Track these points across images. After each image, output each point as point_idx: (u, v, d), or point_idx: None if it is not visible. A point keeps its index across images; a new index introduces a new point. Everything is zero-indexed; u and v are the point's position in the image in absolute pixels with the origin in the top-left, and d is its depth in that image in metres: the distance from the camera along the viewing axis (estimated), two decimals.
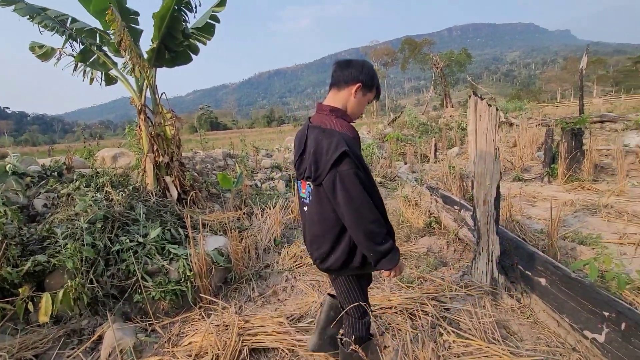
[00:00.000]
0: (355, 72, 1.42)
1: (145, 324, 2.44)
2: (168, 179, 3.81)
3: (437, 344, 2.04)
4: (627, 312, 1.71)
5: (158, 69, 4.03)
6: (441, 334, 2.13)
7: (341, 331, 1.77)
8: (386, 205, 5.04)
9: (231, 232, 3.06)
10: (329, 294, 1.90)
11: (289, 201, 4.65)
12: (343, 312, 1.65)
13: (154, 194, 3.53)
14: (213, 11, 3.98)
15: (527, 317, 2.27)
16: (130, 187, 3.48)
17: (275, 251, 3.58)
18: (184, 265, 2.64)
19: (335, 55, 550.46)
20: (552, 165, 5.77)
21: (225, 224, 3.46)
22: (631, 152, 6.78)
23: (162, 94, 3.95)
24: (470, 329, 2.13)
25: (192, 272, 2.60)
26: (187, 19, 3.67)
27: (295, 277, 3.05)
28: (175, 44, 3.69)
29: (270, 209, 4.00)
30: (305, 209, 1.52)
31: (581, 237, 3.33)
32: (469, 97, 2.48)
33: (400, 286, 2.72)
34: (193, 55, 4.15)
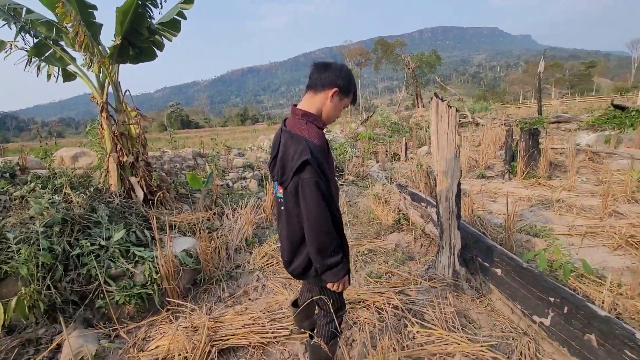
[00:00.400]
0: (333, 76, 1.40)
1: (109, 330, 2.35)
2: (133, 179, 3.68)
3: (402, 335, 2.13)
4: (569, 297, 1.88)
5: (123, 65, 3.87)
6: (406, 326, 2.23)
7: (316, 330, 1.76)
8: (358, 203, 5.15)
9: (200, 233, 3.01)
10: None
11: (261, 200, 4.63)
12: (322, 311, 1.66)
13: (118, 195, 3.39)
14: (180, 8, 3.88)
15: (485, 306, 2.42)
16: (92, 189, 3.32)
17: (247, 251, 3.56)
18: (150, 268, 2.57)
19: (310, 54, 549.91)
20: (512, 163, 6.12)
21: (195, 224, 3.39)
22: (582, 150, 7.35)
23: (126, 91, 3.80)
24: (433, 319, 2.24)
25: (158, 275, 2.54)
26: (152, 14, 3.56)
27: (266, 277, 3.05)
28: (140, 40, 3.56)
29: (241, 208, 3.97)
30: (282, 208, 1.49)
31: (535, 230, 3.57)
32: (431, 99, 2.60)
33: (369, 281, 2.81)
34: (158, 52, 4.02)
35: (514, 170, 6.02)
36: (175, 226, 3.42)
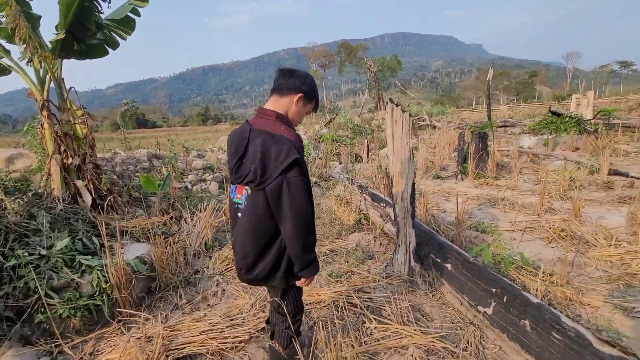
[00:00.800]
0: (298, 82, 1.46)
1: (51, 346, 2.18)
2: (80, 183, 3.42)
3: (360, 332, 2.21)
4: (508, 287, 2.06)
5: (68, 61, 3.59)
6: (364, 322, 2.31)
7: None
8: (320, 204, 5.21)
9: (155, 238, 2.88)
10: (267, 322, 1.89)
11: (222, 203, 4.52)
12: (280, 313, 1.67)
13: (61, 200, 3.14)
14: (134, 4, 3.69)
15: (437, 299, 2.57)
16: (30, 194, 3.05)
17: (207, 256, 3.46)
18: (98, 277, 2.41)
19: (274, 54, 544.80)
20: (464, 165, 6.55)
21: (150, 230, 3.24)
22: (524, 152, 8.03)
23: (70, 88, 3.53)
24: (389, 315, 2.34)
25: (108, 284, 2.40)
26: (100, 8, 3.33)
27: (226, 281, 2.99)
28: (87, 35, 3.32)
29: (200, 212, 3.85)
30: (240, 214, 1.48)
31: (483, 227, 3.86)
32: (386, 104, 2.71)
33: (329, 281, 2.86)
34: (110, 49, 3.78)
35: (466, 171, 6.43)
36: (127, 232, 3.23)
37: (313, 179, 6.81)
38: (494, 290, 2.10)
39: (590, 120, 9.27)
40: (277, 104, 1.47)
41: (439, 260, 2.69)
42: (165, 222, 3.65)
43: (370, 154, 9.56)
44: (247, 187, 1.42)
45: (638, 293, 2.43)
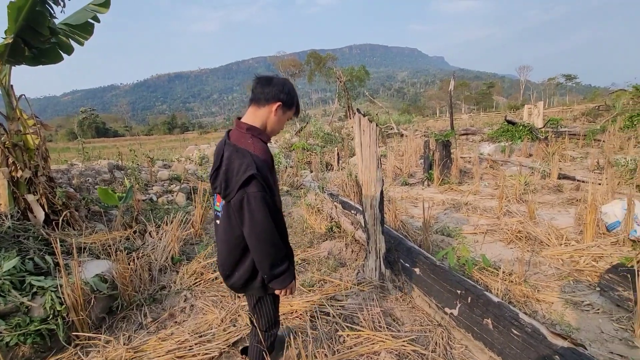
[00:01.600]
0: (276, 90, 1.44)
1: None
2: (31, 197, 3.18)
3: (333, 341, 2.21)
4: (471, 288, 2.16)
5: (18, 66, 3.36)
6: (337, 330, 2.32)
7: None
8: (292, 213, 5.19)
9: (117, 254, 2.73)
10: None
11: (189, 215, 4.38)
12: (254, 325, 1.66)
13: (9, 216, 2.90)
14: (94, 10, 3.55)
15: (407, 303, 2.64)
16: None
17: (174, 270, 3.33)
18: (52, 299, 2.24)
19: (243, 62, 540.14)
20: (430, 171, 6.82)
21: (111, 245, 3.06)
22: (484, 159, 8.53)
23: (20, 96, 3.29)
24: (361, 322, 2.37)
25: (64, 306, 2.23)
26: (53, 13, 3.17)
27: (195, 296, 2.89)
28: (40, 41, 3.13)
29: (166, 224, 3.70)
30: (218, 222, 1.51)
31: (448, 231, 4.03)
32: (353, 114, 2.79)
33: (302, 290, 2.85)
34: (65, 55, 3.59)
35: (432, 178, 6.70)
36: (85, 249, 3.03)
37: (285, 188, 6.79)
38: (459, 291, 2.20)
39: (541, 128, 10.04)
40: (254, 115, 1.47)
41: (408, 265, 2.78)
42: (128, 237, 3.47)
43: (340, 162, 9.70)
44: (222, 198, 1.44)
45: (585, 288, 2.65)
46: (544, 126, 10.39)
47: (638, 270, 2.06)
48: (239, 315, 2.53)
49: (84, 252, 2.98)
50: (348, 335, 2.24)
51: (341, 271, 3.24)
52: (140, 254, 3.26)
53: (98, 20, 3.66)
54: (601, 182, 4.21)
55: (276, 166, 7.66)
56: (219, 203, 1.49)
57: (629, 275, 2.26)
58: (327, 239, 3.98)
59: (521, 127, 9.84)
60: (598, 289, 2.52)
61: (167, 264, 3.33)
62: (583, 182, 5.70)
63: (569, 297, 2.51)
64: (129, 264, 2.89)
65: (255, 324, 1.63)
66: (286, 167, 7.73)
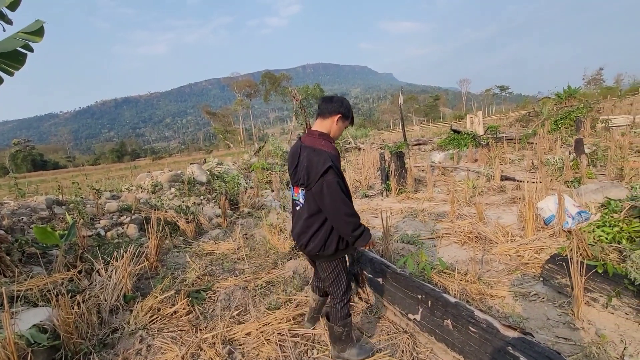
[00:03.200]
0: (337, 106, 1.93)
1: None
2: None
3: None
4: (430, 292, 2.25)
5: None
6: (307, 351, 2.28)
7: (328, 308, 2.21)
8: (254, 235, 5.07)
9: (57, 299, 2.46)
10: (311, 289, 2.47)
11: (143, 247, 4.10)
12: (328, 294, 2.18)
13: None
14: (25, 39, 3.31)
15: (374, 314, 2.68)
16: None
17: (127, 309, 3.06)
18: None
19: (196, 84, 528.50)
20: (387, 182, 7.09)
21: (50, 290, 2.76)
22: (435, 166, 9.06)
23: None
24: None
25: None
26: None
27: (152, 335, 2.68)
28: None
29: (116, 260, 3.43)
30: (298, 208, 2.00)
31: (408, 238, 4.18)
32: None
33: (268, 314, 2.76)
34: None
35: (389, 188, 6.96)
36: (19, 297, 2.70)
37: (245, 210, 6.64)
38: (419, 296, 2.28)
39: (482, 135, 10.94)
40: (321, 124, 1.95)
41: (372, 276, 2.82)
42: (72, 278, 3.16)
43: None
44: (301, 188, 1.92)
45: (531, 279, 2.88)
46: (484, 133, 11.32)
47: (570, 258, 2.29)
48: (201, 350, 2.38)
49: (17, 301, 2.65)
50: (318, 353, 2.21)
51: (307, 289, 3.21)
52: (87, 296, 2.98)
53: (31, 49, 3.42)
54: (535, 181, 4.66)
55: (235, 188, 7.50)
56: (296, 193, 2.00)
57: (564, 264, 2.50)
58: (291, 258, 3.94)
59: (465, 135, 10.65)
60: (541, 279, 2.75)
61: (118, 304, 3.06)
62: (521, 181, 6.27)
63: (517, 290, 2.70)
64: (73, 308, 2.63)
65: (333, 293, 2.05)
66: (246, 189, 7.59)
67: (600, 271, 2.30)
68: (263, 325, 2.55)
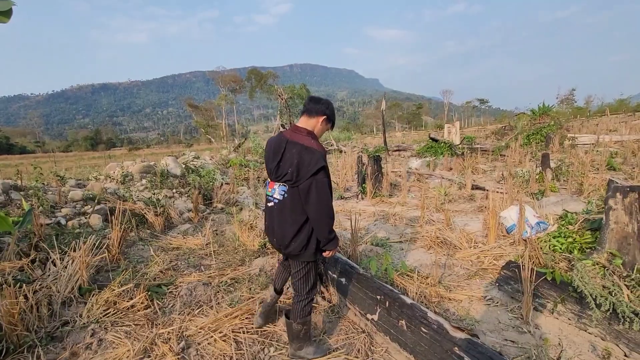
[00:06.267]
0: (323, 107, 1.97)
1: None
2: None
3: (260, 358, 2.15)
4: (389, 293, 2.29)
5: None
6: (263, 349, 2.26)
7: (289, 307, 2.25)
8: (224, 232, 4.98)
9: (2, 290, 2.33)
10: (274, 289, 2.45)
11: (107, 239, 3.95)
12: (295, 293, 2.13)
13: None
14: None
15: (335, 314, 2.70)
16: None
17: (81, 302, 2.94)
18: None
19: (179, 75, 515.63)
20: (363, 185, 7.17)
21: None
22: (412, 172, 9.25)
23: None
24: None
25: None
26: None
27: (105, 328, 2.58)
28: None
29: (74, 250, 3.28)
30: (270, 204, 1.99)
31: (377, 240, 4.24)
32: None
33: (227, 312, 2.73)
34: None
35: (365, 191, 7.04)
36: None
37: (219, 206, 6.53)
38: (378, 297, 2.32)
39: (458, 145, 11.27)
40: (306, 122, 1.96)
41: (335, 276, 2.84)
42: (22, 268, 2.99)
43: None
44: (278, 183, 1.91)
45: (488, 284, 2.99)
46: (460, 143, 11.67)
47: (522, 265, 2.40)
48: (155, 345, 2.32)
49: None
50: (275, 350, 2.20)
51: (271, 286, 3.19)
52: (38, 287, 2.84)
53: None
54: (502, 191, 4.85)
55: (210, 183, 7.37)
56: (270, 189, 1.97)
57: (516, 271, 2.62)
58: (259, 256, 3.91)
59: (442, 143, 10.94)
60: (497, 284, 2.86)
61: (72, 296, 2.94)
62: (489, 191, 6.50)
63: (474, 294, 2.80)
64: (21, 299, 2.49)
65: (299, 290, 2.06)
66: (222, 184, 7.47)
67: (549, 278, 2.42)
68: (221, 322, 2.51)
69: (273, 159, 1.92)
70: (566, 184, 6.32)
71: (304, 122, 1.98)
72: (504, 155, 10.44)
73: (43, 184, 4.99)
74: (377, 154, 7.66)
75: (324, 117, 1.96)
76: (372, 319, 2.29)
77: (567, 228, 3.59)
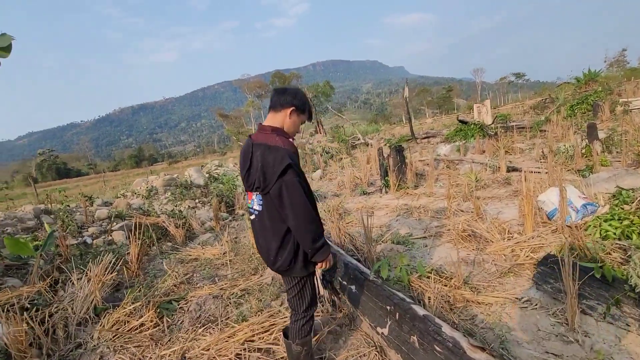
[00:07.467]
0: (289, 97, 1.70)
1: None
2: None
3: None
4: (400, 303, 2.01)
5: None
6: None
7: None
8: (240, 240, 4.90)
9: (8, 315, 2.35)
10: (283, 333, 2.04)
11: (127, 255, 4.01)
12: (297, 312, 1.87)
13: None
14: None
15: (348, 325, 2.46)
16: None
17: (96, 322, 2.96)
18: None
19: (208, 88, 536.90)
20: (386, 178, 6.79)
21: (14, 304, 2.68)
22: (441, 159, 8.67)
23: None
24: None
25: None
26: None
27: (114, 350, 2.55)
28: None
29: (91, 270, 3.34)
30: (252, 217, 1.76)
31: (398, 238, 3.91)
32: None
33: (234, 327, 2.58)
34: None
35: (388, 184, 6.67)
36: None
37: (240, 212, 6.51)
38: (388, 307, 2.04)
39: (490, 125, 10.42)
40: (273, 119, 1.72)
41: (345, 283, 2.59)
42: (39, 291, 3.07)
43: None
44: (255, 193, 1.70)
45: (525, 283, 2.57)
46: (493, 122, 10.80)
47: (562, 260, 1.99)
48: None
49: None
50: None
51: (283, 296, 3.01)
52: (54, 309, 2.89)
53: None
54: (538, 170, 4.29)
55: (232, 190, 7.39)
56: (250, 200, 1.75)
57: (554, 267, 2.20)
58: None
59: (472, 125, 10.17)
60: (534, 283, 2.45)
61: (87, 316, 2.96)
62: (532, 172, 5.85)
63: (507, 296, 2.41)
64: (37, 323, 2.53)
65: (295, 308, 1.85)
66: (244, 190, 7.47)
67: (597, 275, 2.00)
68: (224, 341, 2.37)
69: (243, 166, 1.71)
70: (620, 156, 5.51)
71: (270, 120, 1.74)
72: (544, 131, 9.46)
73: (68, 205, 5.23)
74: (398, 144, 7.23)
75: (292, 108, 1.70)
76: (382, 333, 2.01)
77: (622, 208, 3.05)
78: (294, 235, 1.66)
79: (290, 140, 1.71)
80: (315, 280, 1.88)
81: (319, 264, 1.75)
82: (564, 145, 6.43)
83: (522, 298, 2.37)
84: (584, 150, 5.80)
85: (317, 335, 2.27)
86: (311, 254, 1.68)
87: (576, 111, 11.35)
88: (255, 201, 1.72)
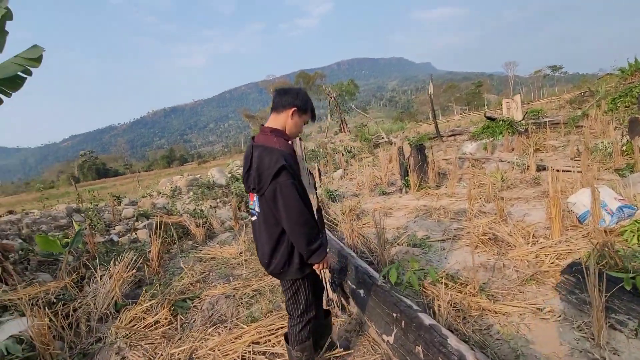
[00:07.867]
0: (291, 98, 1.70)
1: None
2: None
3: None
4: (406, 310, 1.92)
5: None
6: None
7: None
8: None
9: (33, 310, 2.49)
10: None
11: (144, 252, 4.17)
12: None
13: None
14: (25, 64, 3.50)
15: (355, 331, 2.39)
16: None
17: (117, 318, 3.09)
18: None
19: (235, 89, 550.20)
20: (406, 177, 6.61)
21: (41, 299, 2.85)
22: (466, 158, 8.32)
23: None
24: None
25: None
26: None
27: (130, 345, 2.64)
28: None
29: (115, 266, 3.49)
30: (253, 218, 1.73)
31: (415, 240, 3.78)
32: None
33: (242, 328, 2.60)
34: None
35: (408, 184, 6.48)
36: (10, 306, 2.82)
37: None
38: (395, 315, 1.96)
39: (520, 121, 9.87)
40: (275, 120, 1.72)
41: (354, 287, 2.54)
42: (66, 286, 3.25)
43: (322, 176, 9.53)
44: (255, 195, 1.67)
45: (548, 292, 2.39)
46: (523, 118, 10.22)
47: (586, 268, 1.82)
48: None
49: (7, 310, 2.76)
50: None
51: None
52: (78, 304, 3.04)
53: (30, 74, 3.62)
54: (568, 169, 3.98)
55: None
56: (251, 201, 1.72)
57: (579, 276, 2.02)
58: None
59: (501, 122, 9.68)
60: (558, 292, 2.27)
61: (109, 312, 3.10)
62: (563, 171, 5.47)
63: (527, 305, 2.25)
64: (62, 317, 2.68)
65: (290, 312, 1.83)
66: None
67: (628, 287, 1.81)
68: (231, 342, 2.39)
69: (244, 167, 1.71)
70: None
71: (272, 121, 1.73)
72: (581, 127, 8.83)
73: (97, 205, 5.52)
74: (420, 143, 7.02)
75: (293, 108, 1.69)
76: (388, 341, 1.94)
77: None
78: (288, 238, 1.64)
79: (289, 142, 1.70)
80: (310, 285, 1.82)
81: (316, 266, 1.71)
82: (602, 142, 5.96)
83: (544, 308, 2.20)
84: (624, 148, 5.34)
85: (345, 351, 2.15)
86: (307, 256, 1.65)
87: (619, 105, 10.49)
88: (256, 203, 1.71)
